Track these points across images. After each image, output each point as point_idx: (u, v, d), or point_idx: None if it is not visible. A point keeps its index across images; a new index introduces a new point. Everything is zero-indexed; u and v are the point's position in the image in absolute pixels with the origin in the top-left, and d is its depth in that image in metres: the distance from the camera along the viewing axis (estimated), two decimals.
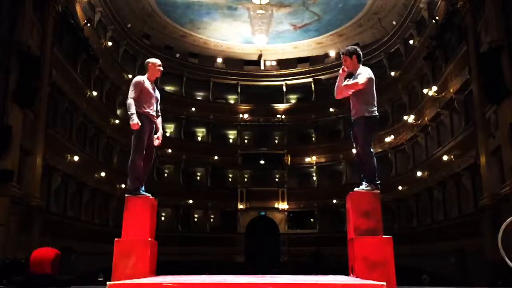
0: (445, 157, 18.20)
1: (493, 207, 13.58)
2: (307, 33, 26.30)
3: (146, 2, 23.18)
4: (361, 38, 26.25)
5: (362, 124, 5.21)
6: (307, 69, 28.90)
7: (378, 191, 5.06)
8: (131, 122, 5.37)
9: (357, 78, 5.22)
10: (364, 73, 5.24)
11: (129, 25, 24.32)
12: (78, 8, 18.86)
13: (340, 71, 5.45)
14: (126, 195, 5.44)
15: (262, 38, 26.23)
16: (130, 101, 5.45)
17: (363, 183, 5.16)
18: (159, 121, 5.79)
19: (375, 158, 5.29)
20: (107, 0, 21.76)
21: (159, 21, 24.89)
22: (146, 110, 5.53)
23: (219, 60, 29.09)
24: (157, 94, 5.79)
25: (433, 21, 19.10)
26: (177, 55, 27.81)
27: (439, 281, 13.53)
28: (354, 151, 5.51)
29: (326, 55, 28.23)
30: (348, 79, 5.41)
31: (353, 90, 5.22)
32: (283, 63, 29.49)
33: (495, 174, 14.12)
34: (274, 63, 29.77)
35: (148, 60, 5.89)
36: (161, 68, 5.81)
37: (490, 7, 14.30)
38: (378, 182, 5.13)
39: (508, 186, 12.78)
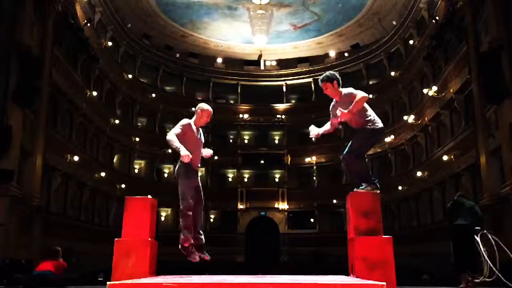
0: (445, 157, 18.20)
1: (493, 207, 13.57)
2: (307, 33, 26.30)
3: (146, 2, 23.18)
4: (361, 38, 26.26)
5: (366, 133, 5.13)
6: (307, 69, 28.90)
7: (378, 191, 5.06)
8: (182, 154, 5.07)
9: (355, 97, 4.99)
10: (356, 91, 5.11)
11: (129, 25, 24.32)
12: (78, 8, 18.86)
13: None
14: (125, 196, 5.47)
15: (262, 38, 26.23)
16: (171, 137, 5.17)
17: (362, 184, 5.15)
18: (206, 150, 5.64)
19: (364, 161, 5.23)
20: (107, 0, 21.77)
21: (159, 21, 24.89)
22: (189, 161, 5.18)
23: (219, 60, 29.09)
24: (202, 138, 5.54)
25: (433, 21, 19.09)
26: (177, 55, 27.81)
27: (439, 281, 13.51)
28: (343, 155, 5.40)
29: (326, 55, 28.24)
30: (337, 107, 5.18)
31: (357, 109, 5.00)
32: (283, 63, 29.49)
33: (495, 174, 14.12)
34: (274, 63, 29.77)
35: (200, 105, 5.57)
36: (210, 119, 5.52)
37: (490, 7, 14.29)
38: (376, 181, 5.13)
39: (508, 186, 12.77)
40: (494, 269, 6.83)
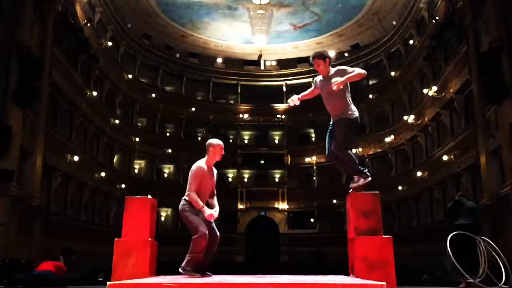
0: (445, 157, 18.20)
1: (493, 207, 13.58)
2: (307, 33, 26.29)
3: (146, 2, 23.18)
4: (361, 38, 26.26)
5: (345, 124, 5.10)
6: (307, 69, 28.83)
7: (370, 178, 5.09)
8: (205, 215, 4.99)
9: (348, 73, 5.01)
10: (350, 68, 5.18)
11: (129, 25, 24.32)
12: (78, 8, 18.87)
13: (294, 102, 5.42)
14: (125, 196, 5.46)
15: (262, 38, 26.23)
16: (193, 196, 5.02)
17: (354, 177, 5.16)
18: (215, 198, 5.38)
19: (351, 153, 5.23)
20: (107, 0, 21.77)
21: (159, 21, 24.89)
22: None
23: (219, 60, 29.08)
24: (215, 177, 5.37)
25: (433, 21, 19.10)
26: (177, 55, 27.81)
27: (439, 281, 13.52)
28: (326, 150, 5.33)
29: None
30: (324, 82, 5.23)
31: (353, 79, 5.03)
32: (283, 63, 29.49)
33: (495, 174, 14.12)
34: (274, 63, 29.77)
35: (209, 142, 5.32)
36: (223, 151, 5.32)
37: (490, 7, 14.30)
38: (366, 170, 5.14)
39: (508, 186, 12.77)
40: (467, 271, 6.84)
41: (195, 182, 5.07)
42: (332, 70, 5.20)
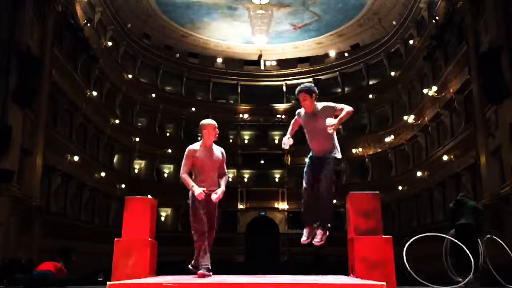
0: (445, 157, 18.20)
1: (493, 207, 13.58)
2: (307, 33, 26.30)
3: (146, 2, 23.19)
4: (361, 38, 26.26)
5: (332, 164, 4.87)
6: (307, 69, 28.88)
7: (328, 233, 4.87)
8: (195, 194, 4.92)
9: (336, 110, 4.83)
10: (338, 104, 4.94)
11: (129, 25, 24.32)
12: (78, 8, 18.87)
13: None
14: (125, 197, 5.46)
15: (262, 38, 26.23)
16: (184, 176, 5.05)
17: (315, 231, 4.89)
18: (223, 179, 5.24)
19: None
20: (107, 0, 21.77)
21: (159, 21, 24.89)
22: (199, 186, 5.00)
23: (219, 60, 29.08)
24: (218, 156, 5.24)
25: (433, 21, 19.12)
26: (177, 55, 27.81)
27: (439, 281, 13.51)
28: (304, 184, 5.05)
29: (326, 55, 28.24)
30: (307, 119, 5.03)
31: (346, 119, 4.80)
32: (283, 63, 29.49)
33: (495, 174, 14.12)
34: (274, 63, 29.76)
35: (201, 123, 5.29)
36: (217, 130, 5.26)
37: (490, 7, 14.31)
38: (329, 225, 4.88)
39: (508, 186, 12.78)
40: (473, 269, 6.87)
41: (185, 163, 5.12)
42: (319, 106, 4.95)
